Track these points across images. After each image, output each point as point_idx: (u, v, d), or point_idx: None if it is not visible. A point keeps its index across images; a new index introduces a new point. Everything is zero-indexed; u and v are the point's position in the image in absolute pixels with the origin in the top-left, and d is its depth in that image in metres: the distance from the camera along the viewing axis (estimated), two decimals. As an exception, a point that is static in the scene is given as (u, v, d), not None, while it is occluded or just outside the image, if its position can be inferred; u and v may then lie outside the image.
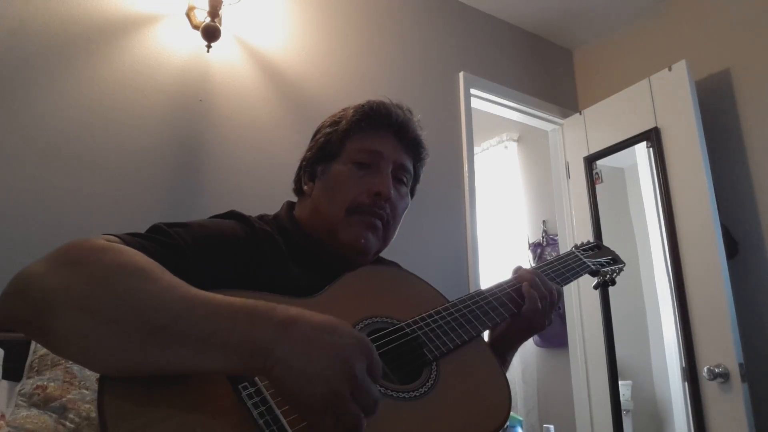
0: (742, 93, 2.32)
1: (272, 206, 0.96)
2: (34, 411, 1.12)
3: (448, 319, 0.79)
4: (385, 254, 0.97)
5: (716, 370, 1.93)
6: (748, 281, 2.17)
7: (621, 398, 2.31)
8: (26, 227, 1.47)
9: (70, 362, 1.19)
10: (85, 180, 1.58)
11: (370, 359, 0.54)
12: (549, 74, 2.94)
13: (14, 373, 1.21)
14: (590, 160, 2.64)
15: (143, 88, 1.74)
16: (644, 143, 2.42)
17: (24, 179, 1.50)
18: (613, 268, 1.11)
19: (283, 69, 2.03)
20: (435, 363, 0.73)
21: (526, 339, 0.89)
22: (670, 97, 2.32)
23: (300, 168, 0.94)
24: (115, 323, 0.51)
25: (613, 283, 1.10)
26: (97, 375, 0.53)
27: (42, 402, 1.13)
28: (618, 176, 3.11)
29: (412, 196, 0.96)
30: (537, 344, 3.20)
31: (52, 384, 1.16)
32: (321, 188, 0.88)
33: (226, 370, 0.53)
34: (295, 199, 0.95)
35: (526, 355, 3.24)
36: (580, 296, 2.63)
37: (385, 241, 0.89)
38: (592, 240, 1.18)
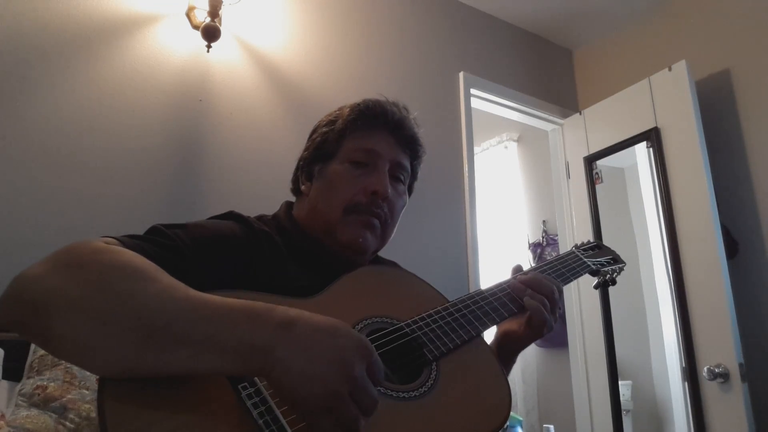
0: (742, 93, 2.32)
1: (272, 206, 0.96)
2: (34, 411, 1.12)
3: (448, 319, 0.79)
4: (385, 254, 0.97)
5: (716, 370, 1.93)
6: (748, 281, 2.17)
7: (621, 398, 2.31)
8: (26, 227, 1.47)
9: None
10: (85, 180, 1.58)
11: (369, 360, 0.54)
12: (549, 74, 2.94)
13: (14, 373, 1.21)
14: (590, 160, 2.64)
15: (143, 88, 1.74)
16: (644, 143, 2.42)
17: (24, 179, 1.50)
18: (613, 267, 1.10)
19: (283, 69, 2.03)
20: (435, 363, 0.73)
21: (533, 341, 0.88)
22: (670, 97, 2.32)
23: (297, 168, 0.94)
24: (112, 325, 0.51)
25: (614, 282, 1.10)
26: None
27: (42, 402, 1.13)
28: (618, 176, 3.11)
29: (410, 193, 0.96)
30: (537, 344, 3.20)
31: (52, 384, 1.16)
32: (318, 188, 0.88)
33: (226, 371, 0.53)
34: (293, 199, 0.95)
35: (526, 355, 3.24)
36: (580, 296, 2.63)
37: (383, 240, 0.89)
38: (592, 240, 1.18)
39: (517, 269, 0.94)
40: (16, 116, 1.53)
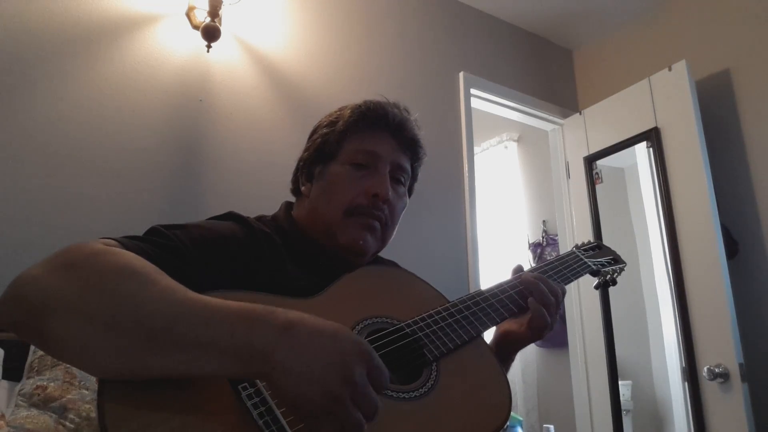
0: (742, 93, 2.32)
1: (272, 206, 0.96)
2: (34, 411, 1.12)
3: (449, 320, 0.79)
4: (385, 253, 0.97)
5: (716, 370, 1.93)
6: (748, 281, 2.17)
7: (621, 398, 2.31)
8: (26, 228, 1.47)
9: (70, 363, 1.19)
10: (85, 180, 1.58)
11: (370, 364, 0.53)
12: (549, 74, 2.94)
13: (14, 373, 1.21)
14: (590, 160, 2.64)
15: (143, 88, 1.74)
16: (644, 143, 2.42)
17: (24, 179, 1.50)
18: (614, 268, 1.10)
19: (283, 69, 2.03)
20: (435, 363, 0.73)
21: (533, 341, 0.88)
22: (670, 97, 2.32)
23: (297, 168, 0.94)
24: (111, 328, 0.51)
25: (614, 283, 1.10)
26: (97, 376, 0.53)
27: (42, 402, 1.13)
28: (618, 176, 3.11)
29: (409, 195, 0.97)
30: (537, 344, 3.20)
31: (52, 384, 1.16)
32: (319, 189, 0.87)
33: (225, 374, 0.53)
34: (293, 199, 0.95)
35: (526, 355, 3.24)
36: (580, 296, 2.63)
37: (383, 241, 0.89)
38: (592, 240, 1.18)
39: (518, 269, 0.94)
40: (16, 116, 1.52)
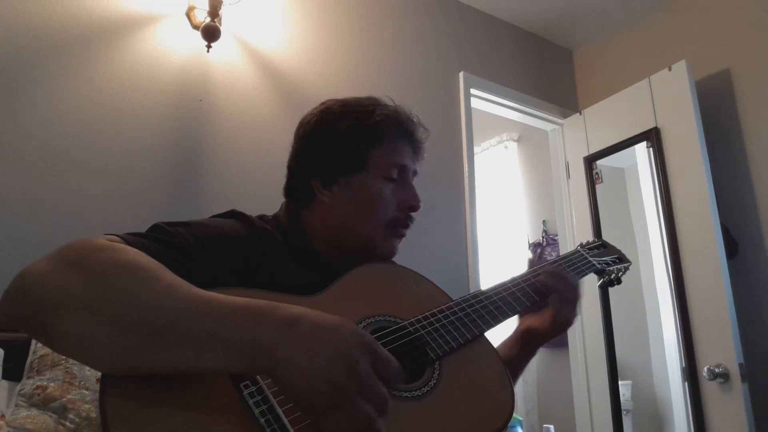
0: (742, 93, 2.32)
1: (272, 206, 0.96)
2: (34, 411, 1.11)
3: (452, 318, 0.79)
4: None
5: (716, 370, 1.93)
6: (748, 281, 2.17)
7: (621, 398, 2.32)
8: (26, 227, 1.47)
9: (71, 362, 1.19)
10: (85, 180, 1.58)
11: (374, 356, 0.53)
12: (549, 74, 2.94)
13: (14, 373, 1.21)
14: (590, 160, 2.64)
15: (143, 88, 1.74)
16: (644, 143, 2.42)
17: (24, 179, 1.50)
18: (618, 267, 1.09)
19: (283, 69, 2.03)
20: (437, 362, 0.73)
21: (556, 336, 0.89)
22: (670, 97, 2.32)
23: (303, 171, 0.89)
24: (115, 323, 0.51)
25: (619, 282, 1.09)
26: (98, 375, 0.53)
27: (42, 402, 1.13)
28: (618, 176, 3.11)
29: None
30: (537, 344, 3.19)
31: (52, 384, 1.15)
32: (351, 203, 0.85)
33: (229, 369, 0.53)
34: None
35: (526, 355, 3.23)
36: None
37: None
38: (596, 239, 1.17)
39: (533, 264, 0.96)
40: (16, 116, 1.52)
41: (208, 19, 1.76)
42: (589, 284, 2.63)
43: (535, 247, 3.35)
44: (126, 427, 0.49)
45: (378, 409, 0.51)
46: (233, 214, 0.81)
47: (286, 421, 0.55)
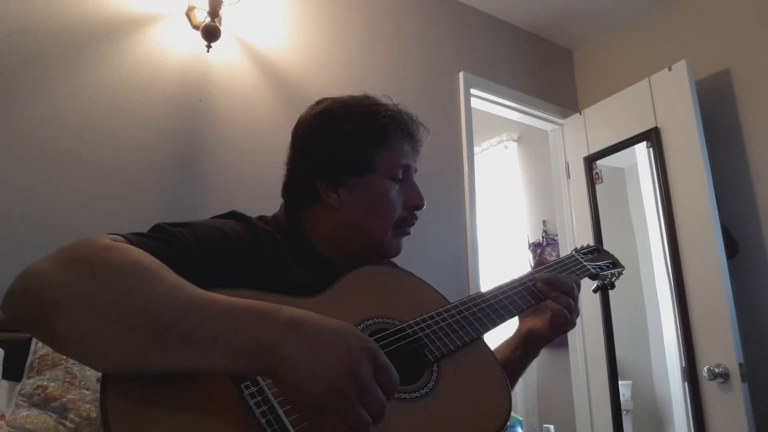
0: (742, 93, 2.32)
1: (272, 206, 0.96)
2: (35, 411, 1.12)
3: (450, 321, 0.79)
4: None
5: (716, 370, 1.93)
6: (748, 281, 2.17)
7: (621, 398, 2.32)
8: (26, 227, 1.47)
9: (71, 362, 1.19)
10: (85, 180, 1.58)
11: (376, 362, 0.53)
12: (549, 74, 2.94)
13: (14, 373, 1.21)
14: (590, 160, 2.64)
15: (143, 88, 1.74)
16: (644, 143, 2.42)
17: (24, 179, 1.50)
18: (612, 272, 1.10)
19: (283, 69, 2.03)
20: (436, 364, 0.73)
21: (557, 336, 0.91)
22: (670, 97, 2.32)
23: (307, 173, 0.88)
24: (119, 323, 0.51)
25: (612, 287, 1.10)
26: (98, 375, 0.53)
27: (42, 402, 1.13)
28: (618, 176, 3.11)
29: None
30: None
31: (52, 384, 1.15)
32: (360, 205, 0.85)
33: (231, 370, 0.53)
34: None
35: (526, 355, 3.23)
36: (580, 296, 2.62)
37: None
38: (592, 243, 1.18)
39: (540, 263, 0.98)
40: (16, 116, 1.52)
41: (208, 19, 1.76)
42: (585, 289, 2.63)
43: (535, 247, 3.35)
44: (127, 427, 0.49)
45: (374, 415, 0.52)
46: (233, 215, 0.81)
47: (287, 421, 0.55)
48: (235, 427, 0.54)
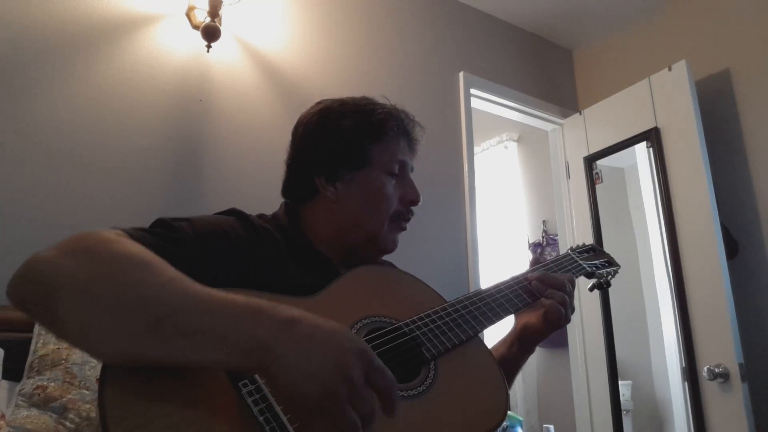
0: (742, 93, 2.32)
1: (271, 206, 0.96)
2: (34, 411, 1.12)
3: (446, 319, 0.80)
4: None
5: (716, 370, 1.93)
6: (748, 281, 2.17)
7: (621, 398, 2.32)
8: (26, 227, 1.47)
9: (71, 362, 1.19)
10: (85, 180, 1.58)
11: (369, 365, 0.54)
12: (549, 74, 2.95)
13: (14, 373, 1.21)
14: (590, 160, 2.64)
15: (143, 88, 1.74)
16: (644, 143, 2.42)
17: (24, 179, 1.50)
18: (608, 270, 1.11)
19: (283, 69, 2.03)
20: (433, 362, 0.73)
21: (552, 332, 0.91)
22: (670, 97, 2.32)
23: (306, 169, 0.91)
24: (116, 311, 0.52)
25: (608, 285, 1.10)
26: (98, 375, 0.54)
27: (42, 402, 1.13)
28: (618, 176, 3.11)
29: None
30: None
31: (52, 384, 1.16)
32: (357, 198, 0.88)
33: (225, 364, 0.54)
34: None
35: (526, 354, 3.23)
36: (579, 296, 2.62)
37: None
38: (589, 242, 1.19)
39: (536, 261, 0.99)
40: (16, 116, 1.53)
41: (208, 19, 1.76)
42: (585, 289, 2.63)
43: (535, 247, 3.35)
44: (125, 425, 0.49)
45: (362, 417, 0.52)
46: (233, 213, 0.82)
47: (284, 419, 0.56)
48: (233, 426, 0.54)
